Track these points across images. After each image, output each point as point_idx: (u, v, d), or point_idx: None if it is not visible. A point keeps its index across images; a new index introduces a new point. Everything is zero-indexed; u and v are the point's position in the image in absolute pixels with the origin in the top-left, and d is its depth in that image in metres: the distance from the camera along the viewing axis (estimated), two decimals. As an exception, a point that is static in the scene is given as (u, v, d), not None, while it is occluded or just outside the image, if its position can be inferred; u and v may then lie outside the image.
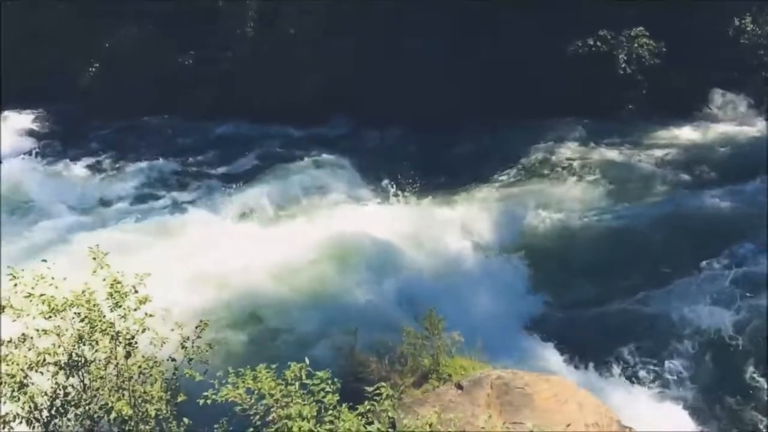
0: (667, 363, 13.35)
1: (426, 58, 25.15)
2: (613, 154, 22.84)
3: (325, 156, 23.76)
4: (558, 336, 14.66)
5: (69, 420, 7.12)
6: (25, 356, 6.94)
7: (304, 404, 6.09)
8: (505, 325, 15.15)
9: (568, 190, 20.90)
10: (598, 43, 25.23)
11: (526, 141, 23.50)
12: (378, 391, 6.27)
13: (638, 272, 16.62)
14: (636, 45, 25.30)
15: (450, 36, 25.19)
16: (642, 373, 13.13)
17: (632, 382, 12.92)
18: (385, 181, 21.60)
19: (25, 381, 6.87)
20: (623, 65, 25.13)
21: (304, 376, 6.47)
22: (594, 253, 17.93)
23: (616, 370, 13.19)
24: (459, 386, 9.45)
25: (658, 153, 22.78)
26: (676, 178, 21.27)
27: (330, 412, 6.18)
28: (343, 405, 6.22)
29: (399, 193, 20.45)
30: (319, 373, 6.38)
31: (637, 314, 14.96)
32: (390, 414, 6.20)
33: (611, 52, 25.21)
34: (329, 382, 6.43)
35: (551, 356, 14.10)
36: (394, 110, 24.64)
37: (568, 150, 23.12)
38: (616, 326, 14.67)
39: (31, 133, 26.94)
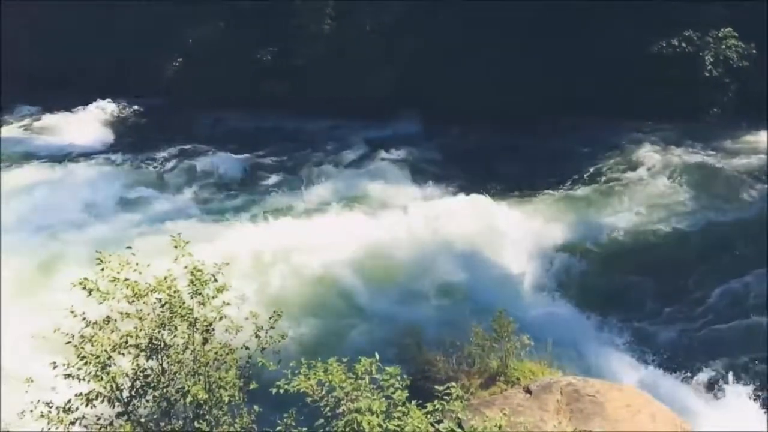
0: (748, 376, 12.78)
1: (500, 56, 24.83)
2: (696, 159, 22.03)
3: (394, 152, 23.81)
4: (631, 345, 14.29)
5: (147, 401, 7.39)
6: (108, 338, 7.23)
7: (374, 399, 6.13)
8: (575, 331, 14.85)
9: (647, 194, 20.28)
10: (683, 44, 24.31)
11: (604, 141, 22.92)
12: (447, 391, 6.25)
13: (718, 281, 15.98)
14: (724, 46, 24.29)
15: (526, 33, 24.77)
16: (721, 387, 12.59)
17: (710, 396, 12.41)
18: (455, 180, 21.49)
19: (108, 362, 7.17)
20: (709, 67, 24.15)
21: (374, 371, 6.52)
22: (672, 260, 17.33)
23: (694, 382, 12.70)
24: (527, 390, 9.33)
25: (744, 159, 21.84)
26: (761, 185, 20.34)
27: (399, 408, 6.20)
28: (412, 402, 6.23)
29: (469, 191, 20.28)
30: (389, 369, 6.41)
31: (718, 326, 14.38)
32: (459, 415, 6.17)
33: (697, 53, 24.26)
34: (398, 378, 6.46)
35: (623, 365, 13.73)
36: (465, 108, 24.44)
37: (649, 152, 22.41)
38: (693, 336, 14.15)
39: (115, 125, 28.05)
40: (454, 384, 6.28)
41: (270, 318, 7.94)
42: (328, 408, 6.30)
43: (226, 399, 7.40)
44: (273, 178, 22.90)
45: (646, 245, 18.10)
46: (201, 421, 7.34)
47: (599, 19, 24.36)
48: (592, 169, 21.92)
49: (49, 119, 28.00)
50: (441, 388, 6.29)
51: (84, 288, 7.26)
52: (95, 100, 28.79)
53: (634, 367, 13.64)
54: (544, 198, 20.62)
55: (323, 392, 6.42)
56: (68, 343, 7.22)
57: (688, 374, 13.09)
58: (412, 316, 14.26)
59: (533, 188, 20.93)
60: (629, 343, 14.36)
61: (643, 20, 24.21)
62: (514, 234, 17.63)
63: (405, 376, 6.43)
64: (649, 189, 20.62)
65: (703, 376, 12.98)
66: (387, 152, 23.82)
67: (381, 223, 18.93)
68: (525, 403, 9.04)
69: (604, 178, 21.57)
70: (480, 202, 19.71)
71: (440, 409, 6.24)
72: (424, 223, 18.14)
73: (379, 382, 6.39)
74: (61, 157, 24.56)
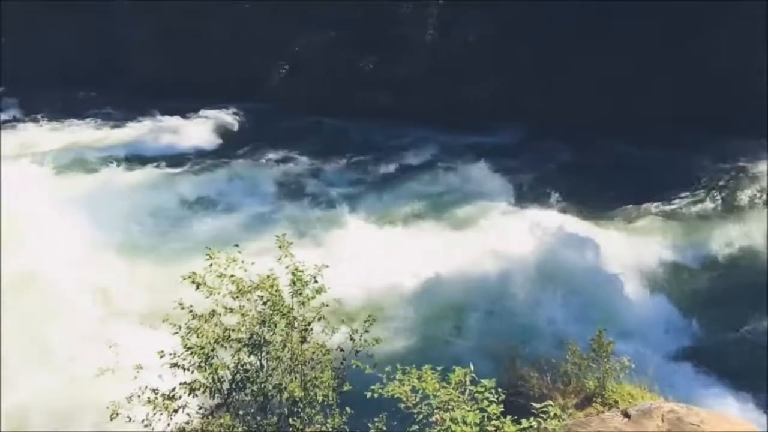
0: None
1: (606, 65, 24.11)
2: (818, 180, 20.54)
3: (495, 163, 23.48)
4: (738, 375, 13.44)
5: (246, 395, 7.63)
6: (213, 331, 7.53)
7: (469, 410, 6.05)
8: (676, 355, 14.20)
9: (755, 217, 19.05)
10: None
11: (717, 158, 21.78)
12: (545, 409, 6.10)
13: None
14: None
15: (634, 42, 23.89)
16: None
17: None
18: (556, 192, 21.01)
19: (211, 354, 7.46)
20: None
21: (468, 382, 6.45)
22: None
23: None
24: (626, 414, 8.94)
25: None
26: None
27: (493, 422, 6.10)
28: (507, 417, 6.12)
29: (571, 204, 19.76)
30: (485, 381, 6.32)
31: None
32: (556, 433, 6.01)
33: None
34: (493, 391, 6.36)
35: (726, 395, 12.95)
36: (569, 119, 23.90)
37: (758, 173, 21.08)
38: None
39: (221, 129, 29.21)
40: (551, 402, 6.11)
41: (365, 322, 8.06)
42: (421, 415, 6.28)
43: (320, 398, 7.55)
44: (370, 186, 23.11)
45: (748, 272, 16.99)
46: (295, 418, 7.52)
47: (711, 30, 23.21)
48: (703, 187, 20.85)
49: (156, 123, 29.45)
50: (538, 405, 6.14)
51: (192, 282, 7.60)
52: (203, 104, 30.05)
53: (740, 398, 12.84)
54: (651, 215, 19.75)
55: (417, 399, 6.41)
56: (176, 333, 7.57)
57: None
58: (506, 330, 14.05)
59: (639, 204, 20.07)
60: (735, 373, 13.52)
61: (756, 30, 22.89)
62: (616, 251, 16.96)
63: (500, 389, 6.31)
64: (756, 211, 19.37)
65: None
66: (487, 162, 23.55)
67: (477, 234, 18.74)
68: (623, 427, 8.67)
69: (716, 197, 20.47)
70: (581, 215, 19.16)
71: (536, 426, 6.09)
72: (523, 235, 17.78)
73: (474, 394, 6.31)
74: (168, 159, 25.73)
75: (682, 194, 20.62)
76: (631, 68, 23.69)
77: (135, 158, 25.83)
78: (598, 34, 24.48)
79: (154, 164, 25.17)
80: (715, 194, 20.66)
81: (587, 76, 24.38)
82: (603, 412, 9.37)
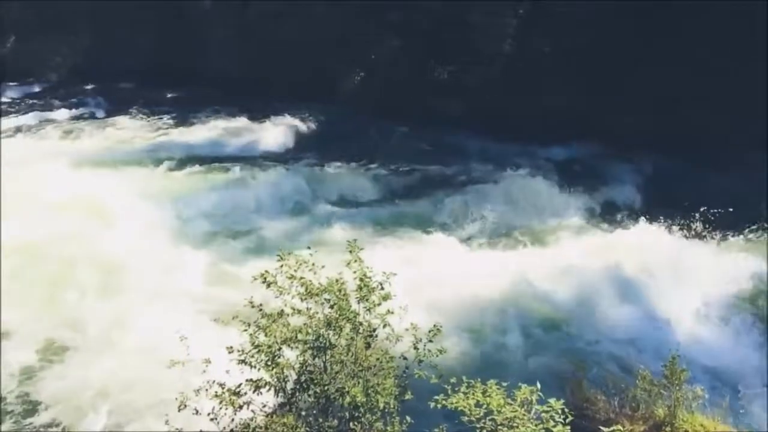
0: None
1: (686, 84, 23.22)
2: None
3: (561, 178, 22.90)
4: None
5: (309, 396, 7.71)
6: (281, 331, 7.65)
7: (534, 429, 5.94)
8: (751, 387, 13.49)
9: None
10: None
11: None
12: (612, 433, 5.92)
13: None
14: None
15: (726, 53, 22.88)
16: None
17: None
18: (632, 208, 20.42)
19: (278, 353, 7.57)
20: None
21: (534, 401, 6.33)
22: None
23: None
24: (697, 445, 8.59)
25: None
26: None
27: (559, 443, 5.96)
28: (573, 439, 5.97)
29: (648, 221, 19.15)
30: (552, 401, 6.19)
31: None
32: (623, 460, 5.80)
33: None
34: (559, 412, 6.22)
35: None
36: (651, 133, 23.14)
37: None
38: None
39: (295, 130, 29.64)
40: (620, 428, 5.92)
41: (429, 332, 8.02)
42: (484, 431, 6.20)
43: (381, 405, 7.55)
44: (438, 194, 22.87)
45: None
46: (356, 423, 7.54)
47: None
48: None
49: (227, 123, 30.10)
50: (606, 429, 5.97)
51: (264, 281, 7.75)
52: (277, 107, 30.58)
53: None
54: (734, 237, 18.85)
55: (480, 414, 6.33)
56: (245, 330, 7.72)
57: None
58: (575, 350, 13.70)
59: (725, 226, 19.10)
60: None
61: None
62: (697, 274, 16.22)
63: (568, 410, 6.16)
64: None
65: None
66: (556, 177, 23.06)
67: (539, 252, 18.32)
68: (693, 458, 8.33)
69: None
70: (659, 234, 18.54)
71: (603, 451, 5.92)
72: (596, 252, 17.32)
73: (540, 413, 6.19)
74: (242, 159, 26.17)
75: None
76: (719, 89, 22.70)
77: (205, 158, 26.24)
78: (680, 53, 23.64)
79: (224, 164, 25.55)
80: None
81: (664, 94, 23.58)
82: (673, 441, 9.03)
